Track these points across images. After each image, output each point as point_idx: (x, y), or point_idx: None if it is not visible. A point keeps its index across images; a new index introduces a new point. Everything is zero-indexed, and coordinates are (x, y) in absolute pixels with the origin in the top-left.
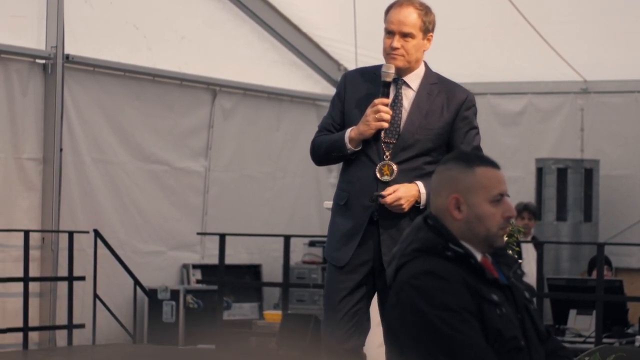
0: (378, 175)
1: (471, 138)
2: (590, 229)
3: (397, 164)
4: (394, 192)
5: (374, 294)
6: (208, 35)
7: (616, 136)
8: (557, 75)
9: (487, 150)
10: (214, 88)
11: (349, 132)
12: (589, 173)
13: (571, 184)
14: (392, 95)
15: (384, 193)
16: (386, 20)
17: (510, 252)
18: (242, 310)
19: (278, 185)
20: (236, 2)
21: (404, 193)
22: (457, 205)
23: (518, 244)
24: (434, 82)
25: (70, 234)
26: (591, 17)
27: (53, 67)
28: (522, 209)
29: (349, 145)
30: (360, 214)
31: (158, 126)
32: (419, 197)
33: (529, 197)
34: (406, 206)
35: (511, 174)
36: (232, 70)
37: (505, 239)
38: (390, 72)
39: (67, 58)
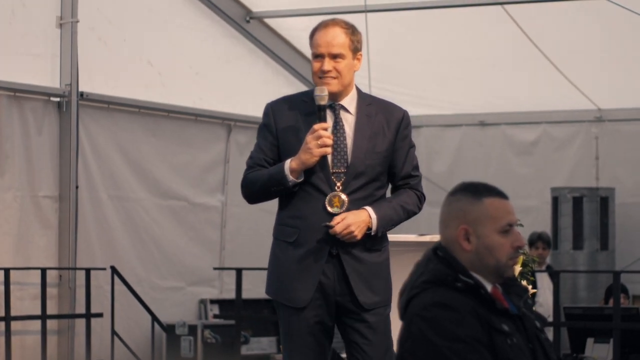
0: (328, 207)
1: (412, 157)
2: (607, 257)
3: (349, 194)
4: (342, 220)
5: (333, 332)
6: (222, 70)
7: (631, 164)
8: (571, 104)
9: (502, 180)
10: (229, 123)
11: (289, 163)
12: (604, 201)
13: (587, 212)
14: (330, 121)
15: (332, 223)
16: (313, 44)
17: (524, 282)
18: (260, 344)
19: None
20: (250, 37)
21: (353, 220)
22: (466, 236)
23: (533, 274)
24: (370, 103)
25: (87, 271)
26: (604, 45)
27: (68, 105)
28: (536, 238)
29: (290, 177)
30: (317, 250)
31: (174, 162)
32: (370, 222)
33: (545, 227)
34: (357, 233)
35: (526, 203)
36: (247, 105)
37: (520, 268)
38: (324, 94)
39: (81, 95)
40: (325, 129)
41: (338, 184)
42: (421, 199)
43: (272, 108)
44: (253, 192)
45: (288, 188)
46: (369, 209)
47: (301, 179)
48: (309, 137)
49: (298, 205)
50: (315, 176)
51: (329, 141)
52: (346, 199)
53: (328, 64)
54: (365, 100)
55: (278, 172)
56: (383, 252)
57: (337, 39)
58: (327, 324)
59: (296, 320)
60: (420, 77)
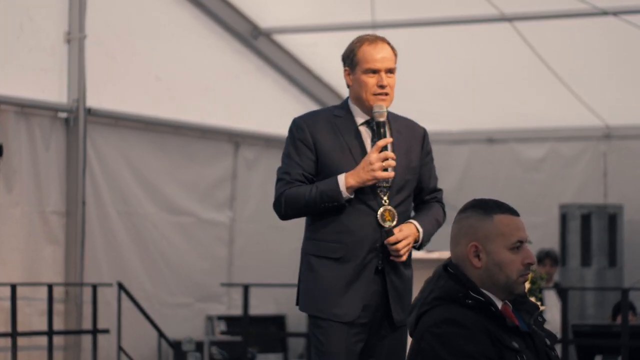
0: (380, 222)
1: (435, 172)
2: (615, 274)
3: (394, 207)
4: (403, 233)
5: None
6: (230, 86)
7: None
8: (580, 121)
9: (510, 196)
10: (236, 139)
11: (345, 180)
12: (612, 218)
13: (595, 229)
14: (367, 137)
15: (393, 237)
16: (364, 60)
17: (532, 299)
18: None
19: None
20: (258, 52)
21: (409, 233)
22: (476, 253)
23: (540, 291)
24: (396, 119)
25: (94, 287)
26: (612, 62)
27: (75, 121)
28: (544, 255)
29: (346, 194)
30: (365, 265)
31: (182, 177)
32: (418, 236)
33: (553, 243)
34: (411, 247)
35: (534, 220)
36: (255, 121)
37: (529, 286)
38: (383, 111)
39: (89, 111)
40: (386, 148)
41: (384, 198)
42: (445, 212)
43: (306, 123)
44: (296, 208)
45: (341, 205)
46: (415, 222)
47: (352, 195)
48: (373, 157)
49: (343, 220)
50: (362, 191)
51: (393, 163)
52: (396, 213)
53: (386, 79)
54: (390, 116)
55: (332, 189)
56: (411, 267)
57: (391, 53)
58: (366, 340)
59: (340, 335)
60: (428, 93)
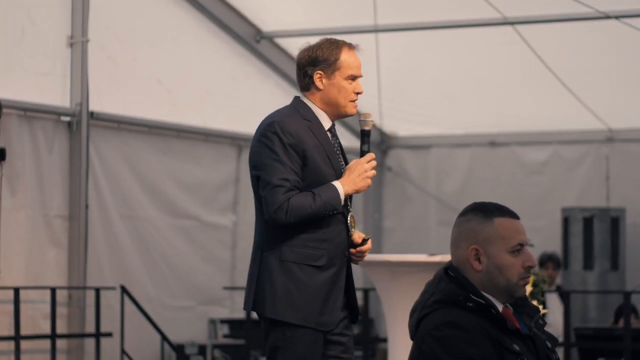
0: (351, 228)
1: None
2: (617, 278)
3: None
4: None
5: None
6: (233, 89)
7: None
8: (582, 124)
9: (512, 200)
10: (239, 142)
11: (343, 189)
12: (615, 221)
13: (597, 232)
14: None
15: (363, 242)
16: (345, 65)
17: (535, 302)
18: None
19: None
20: (260, 56)
21: None
22: (476, 256)
23: (543, 294)
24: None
25: (97, 290)
26: (615, 65)
27: (78, 124)
28: (546, 259)
29: (342, 203)
30: (340, 271)
31: (185, 181)
32: None
33: (555, 247)
34: None
35: (537, 223)
36: (257, 125)
37: (531, 289)
38: (369, 120)
39: (91, 115)
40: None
41: (350, 205)
42: None
43: (292, 128)
44: (300, 217)
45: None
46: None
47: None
48: (367, 166)
49: (323, 228)
50: None
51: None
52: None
53: (360, 87)
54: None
55: (334, 198)
56: None
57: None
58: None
59: (319, 344)
60: (430, 97)
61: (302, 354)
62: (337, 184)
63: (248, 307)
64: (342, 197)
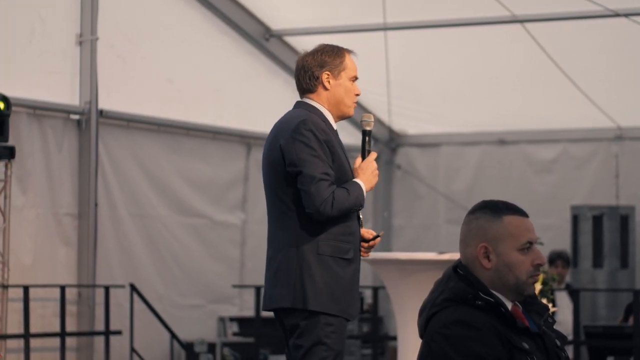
0: (362, 223)
1: None
2: (627, 276)
3: None
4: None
5: None
6: (242, 88)
7: None
8: (591, 122)
9: (522, 198)
10: (248, 141)
11: (364, 185)
12: (624, 219)
13: (607, 230)
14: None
15: (372, 236)
16: (349, 67)
17: (544, 300)
18: None
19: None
20: (269, 54)
21: None
22: (486, 254)
23: (552, 292)
24: None
25: (107, 289)
26: (624, 63)
27: (87, 123)
28: (556, 257)
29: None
30: (359, 265)
31: (194, 179)
32: None
33: (565, 245)
34: None
35: (546, 221)
36: (267, 123)
37: (540, 287)
38: (371, 120)
39: (101, 113)
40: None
41: None
42: None
43: (323, 127)
44: (340, 210)
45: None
46: None
47: None
48: (375, 165)
49: (348, 222)
50: None
51: None
52: None
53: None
54: None
55: (361, 195)
56: None
57: None
58: None
59: (344, 334)
60: (439, 95)
61: (341, 343)
62: (359, 181)
63: (287, 302)
64: (365, 193)
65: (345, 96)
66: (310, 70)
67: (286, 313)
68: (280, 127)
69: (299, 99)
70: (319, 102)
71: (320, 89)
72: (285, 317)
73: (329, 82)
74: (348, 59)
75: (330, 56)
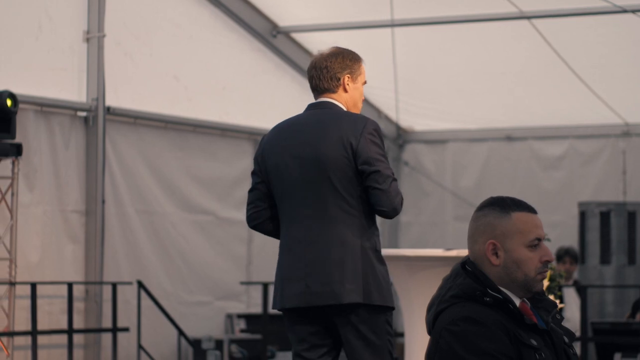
0: None
1: None
2: (635, 272)
3: None
4: None
5: None
6: (249, 85)
7: None
8: (598, 119)
9: (529, 194)
10: (255, 137)
11: None
12: (632, 216)
13: (614, 227)
14: None
15: None
16: (362, 73)
17: (551, 296)
18: (286, 359)
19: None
20: (276, 51)
21: None
22: (494, 250)
23: (560, 289)
24: None
25: (114, 286)
26: (632, 59)
27: (94, 119)
28: (564, 253)
29: None
30: None
31: (201, 176)
32: None
33: (572, 241)
34: None
35: (553, 218)
36: (274, 119)
37: (547, 283)
38: None
39: (108, 110)
40: None
41: None
42: None
43: None
44: None
45: None
46: None
47: None
48: None
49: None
50: None
51: None
52: None
53: None
54: None
55: None
56: None
57: None
58: None
59: None
60: (446, 91)
61: (391, 331)
62: None
63: (355, 298)
64: None
65: (359, 100)
66: (333, 71)
67: (344, 309)
68: (340, 125)
69: (305, 94)
70: (340, 103)
71: (340, 91)
72: (341, 313)
73: (348, 85)
74: (363, 65)
75: (351, 60)
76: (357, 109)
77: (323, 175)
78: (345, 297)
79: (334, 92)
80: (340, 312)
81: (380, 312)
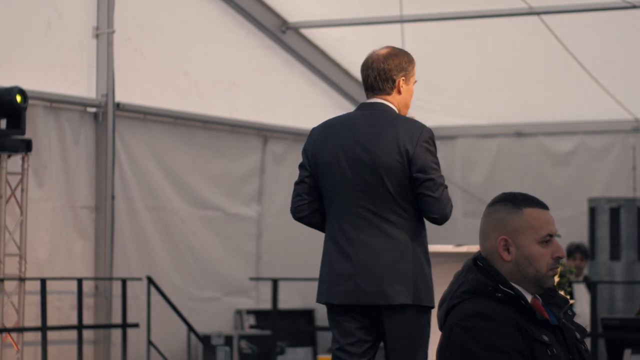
0: None
1: None
2: None
3: None
4: None
5: None
6: (258, 81)
7: None
8: (608, 114)
9: (539, 190)
10: (264, 133)
11: None
12: None
13: (624, 222)
14: None
15: None
16: (415, 74)
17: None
18: (296, 355)
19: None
20: (286, 47)
21: None
22: (505, 246)
23: (570, 284)
24: None
25: (124, 281)
26: None
27: (104, 115)
28: (574, 249)
29: None
30: None
31: (210, 172)
32: None
33: (582, 237)
34: None
35: (563, 214)
36: (283, 115)
37: (557, 279)
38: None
39: (117, 106)
40: None
41: None
42: None
43: None
44: None
45: None
46: None
47: None
48: None
49: None
50: None
51: None
52: None
53: None
54: None
55: None
56: None
57: None
58: None
59: None
60: (456, 87)
61: (428, 331)
62: None
63: (405, 299)
64: None
65: (409, 100)
66: (390, 73)
67: (393, 308)
68: (396, 130)
69: (314, 90)
70: (394, 105)
71: (394, 93)
72: (389, 312)
73: (402, 87)
74: (415, 66)
75: (407, 62)
76: (407, 109)
77: (377, 178)
78: (395, 298)
79: (388, 93)
80: (388, 310)
81: (426, 312)
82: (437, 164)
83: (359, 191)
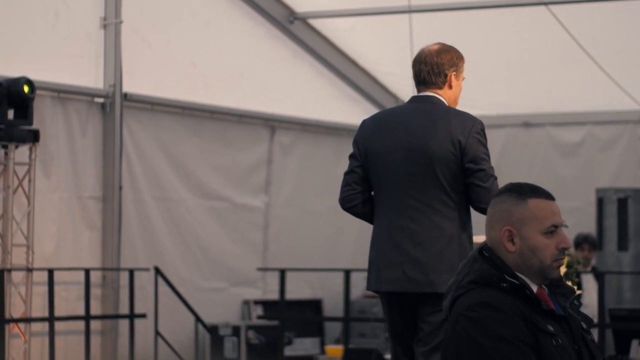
0: None
1: None
2: None
3: None
4: None
5: None
6: (266, 71)
7: None
8: (616, 105)
9: (547, 181)
10: (272, 124)
11: None
12: None
13: (632, 213)
14: None
15: None
16: (464, 69)
17: (569, 283)
18: (303, 345)
19: (339, 220)
20: (294, 37)
21: None
22: (510, 237)
23: (578, 275)
24: None
25: (131, 272)
26: None
27: (111, 106)
28: (582, 240)
29: None
30: None
31: (217, 163)
32: None
33: (590, 228)
34: None
35: (571, 204)
36: (291, 106)
37: (565, 270)
38: None
39: (125, 96)
40: None
41: None
42: None
43: None
44: None
45: None
46: None
47: None
48: None
49: None
50: None
51: None
52: None
53: None
54: None
55: None
56: None
57: None
58: None
59: None
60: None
61: None
62: None
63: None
64: None
65: (459, 95)
66: (442, 67)
67: (438, 296)
68: (449, 122)
69: (324, 80)
70: (444, 99)
71: (446, 87)
72: (434, 299)
73: (453, 81)
74: (464, 63)
75: (457, 58)
76: (456, 103)
77: (429, 168)
78: (440, 287)
79: (440, 87)
80: (434, 298)
81: None
82: (488, 155)
83: (409, 181)
